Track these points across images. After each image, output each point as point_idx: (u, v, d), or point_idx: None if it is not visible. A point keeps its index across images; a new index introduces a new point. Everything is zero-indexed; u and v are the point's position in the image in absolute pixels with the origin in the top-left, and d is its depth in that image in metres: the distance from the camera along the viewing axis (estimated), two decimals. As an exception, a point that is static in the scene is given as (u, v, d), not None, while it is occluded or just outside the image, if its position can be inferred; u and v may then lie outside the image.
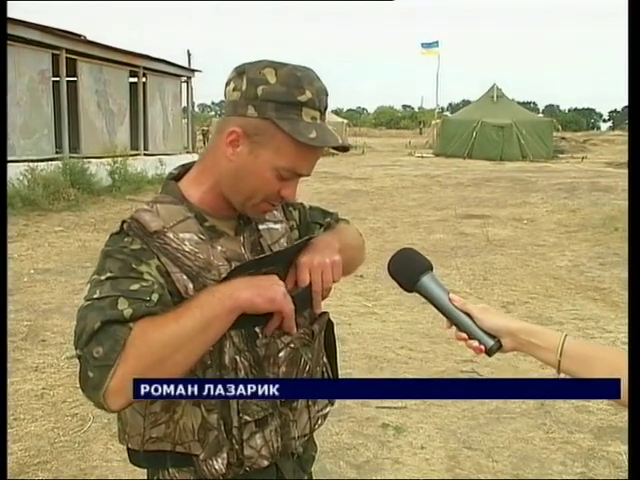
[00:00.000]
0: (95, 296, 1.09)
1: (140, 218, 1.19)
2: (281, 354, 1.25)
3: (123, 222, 1.20)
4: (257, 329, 1.22)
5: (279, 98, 1.15)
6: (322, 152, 1.23)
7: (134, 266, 1.13)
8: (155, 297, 1.10)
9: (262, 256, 1.26)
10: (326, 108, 1.22)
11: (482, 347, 1.20)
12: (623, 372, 1.09)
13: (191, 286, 1.17)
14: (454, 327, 1.24)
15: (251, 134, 1.17)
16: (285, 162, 1.18)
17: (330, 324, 1.41)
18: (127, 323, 1.05)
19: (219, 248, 1.23)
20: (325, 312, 1.38)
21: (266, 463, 1.25)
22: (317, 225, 1.45)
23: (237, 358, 1.20)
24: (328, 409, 1.41)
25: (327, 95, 1.21)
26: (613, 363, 1.12)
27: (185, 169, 1.31)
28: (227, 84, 1.21)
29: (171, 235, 1.19)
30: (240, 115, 1.17)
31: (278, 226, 1.36)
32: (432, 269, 1.27)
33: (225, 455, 1.20)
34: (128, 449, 1.28)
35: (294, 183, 1.23)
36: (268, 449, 1.25)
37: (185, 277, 1.17)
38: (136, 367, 1.04)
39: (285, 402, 1.28)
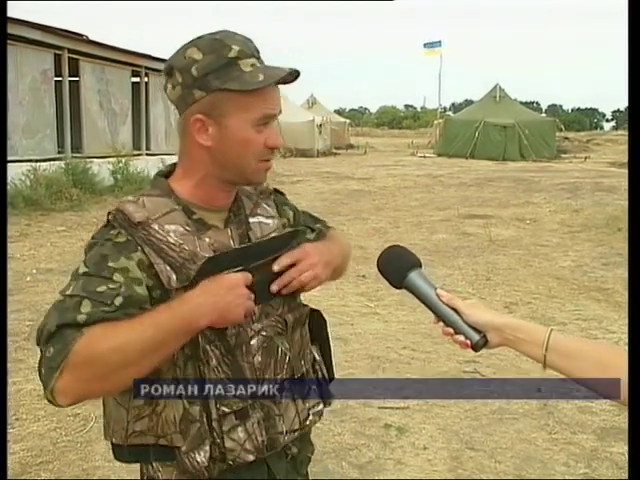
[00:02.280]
0: (67, 292, 1.13)
1: (124, 209, 1.20)
2: (253, 342, 1.25)
3: (109, 214, 1.21)
4: None
5: (214, 66, 1.17)
6: (279, 88, 1.24)
7: (110, 264, 1.14)
8: (118, 301, 1.11)
9: (242, 246, 1.26)
10: (259, 52, 1.23)
11: (468, 342, 1.20)
12: (610, 366, 1.09)
13: (174, 277, 1.18)
14: (442, 322, 1.24)
15: (211, 113, 1.19)
16: (253, 113, 1.20)
17: (321, 320, 1.41)
18: (80, 328, 1.08)
19: (207, 240, 1.23)
20: (305, 305, 1.39)
21: (251, 457, 1.24)
22: (309, 229, 1.46)
23: (207, 347, 1.20)
24: (320, 407, 1.40)
25: (252, 41, 1.24)
26: (600, 357, 1.12)
27: (175, 167, 1.32)
28: (165, 90, 1.24)
29: (156, 226, 1.19)
30: (191, 104, 1.20)
31: (270, 221, 1.37)
32: (420, 266, 1.27)
33: (207, 448, 1.20)
34: (112, 444, 1.27)
35: (272, 128, 1.24)
36: (252, 443, 1.24)
37: (169, 268, 1.18)
38: (79, 375, 1.06)
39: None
